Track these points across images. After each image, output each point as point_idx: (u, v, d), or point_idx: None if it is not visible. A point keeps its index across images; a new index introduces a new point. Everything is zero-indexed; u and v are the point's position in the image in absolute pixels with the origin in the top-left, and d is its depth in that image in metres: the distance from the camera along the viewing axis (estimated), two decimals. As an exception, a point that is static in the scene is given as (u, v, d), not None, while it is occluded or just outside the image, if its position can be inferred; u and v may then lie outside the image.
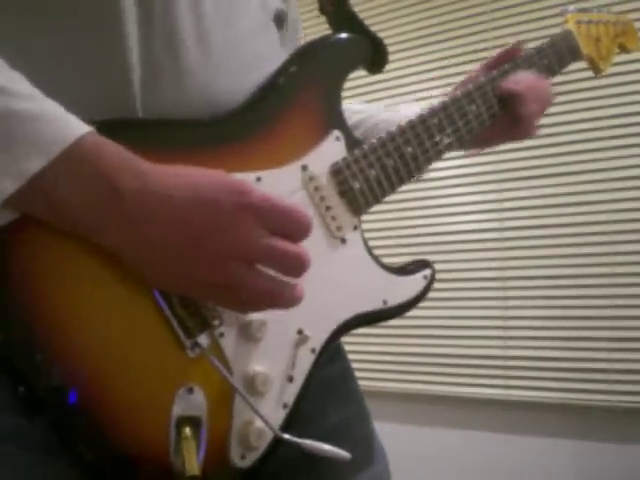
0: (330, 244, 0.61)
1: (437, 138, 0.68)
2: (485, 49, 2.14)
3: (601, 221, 1.95)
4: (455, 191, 2.19)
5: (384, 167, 0.64)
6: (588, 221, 1.97)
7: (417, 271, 0.67)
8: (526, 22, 2.06)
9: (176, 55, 0.54)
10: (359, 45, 0.65)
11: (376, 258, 0.64)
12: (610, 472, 1.88)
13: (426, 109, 0.69)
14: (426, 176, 2.42)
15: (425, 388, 2.20)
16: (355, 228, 0.63)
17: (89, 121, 0.46)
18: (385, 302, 0.63)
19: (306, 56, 0.63)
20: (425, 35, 2.27)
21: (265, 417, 0.52)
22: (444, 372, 2.17)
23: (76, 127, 0.45)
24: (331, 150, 0.62)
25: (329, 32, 0.66)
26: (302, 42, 0.76)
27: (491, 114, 0.74)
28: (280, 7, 0.68)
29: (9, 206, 0.44)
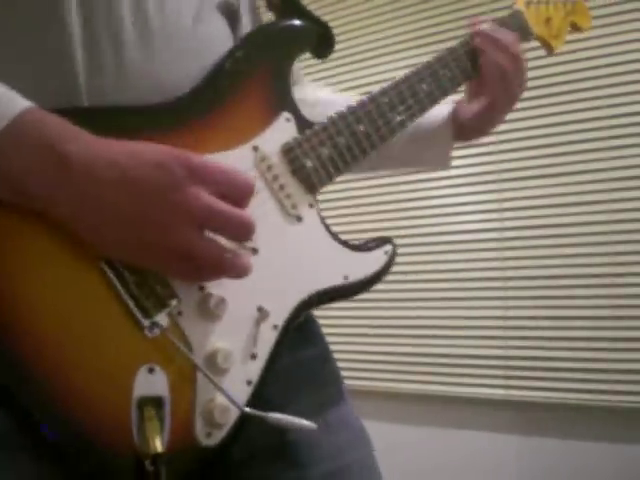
0: (286, 222, 0.61)
1: (389, 116, 0.69)
2: (485, 49, 2.14)
3: (601, 221, 1.95)
4: (455, 191, 2.19)
5: (336, 145, 0.64)
6: (588, 221, 1.97)
7: (378, 247, 0.67)
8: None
9: (117, 48, 0.55)
10: (304, 30, 0.66)
11: (335, 235, 0.65)
12: (610, 472, 1.88)
13: (377, 89, 0.70)
14: (426, 176, 2.40)
15: (425, 388, 2.20)
16: (311, 206, 0.63)
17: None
18: (346, 277, 0.63)
19: (252, 41, 0.64)
20: (425, 35, 2.27)
21: (227, 391, 0.52)
22: (444, 372, 2.16)
23: (18, 102, 0.47)
24: (282, 131, 0.63)
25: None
26: None
27: (445, 90, 0.76)
28: None
29: None
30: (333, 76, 2.41)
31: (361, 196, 2.32)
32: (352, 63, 2.40)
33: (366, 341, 2.30)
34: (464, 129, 0.83)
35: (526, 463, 2.02)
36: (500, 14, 0.86)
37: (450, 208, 2.20)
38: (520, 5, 0.86)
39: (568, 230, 1.99)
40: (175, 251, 0.48)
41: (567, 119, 2.00)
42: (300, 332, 0.66)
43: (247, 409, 0.53)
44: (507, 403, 2.06)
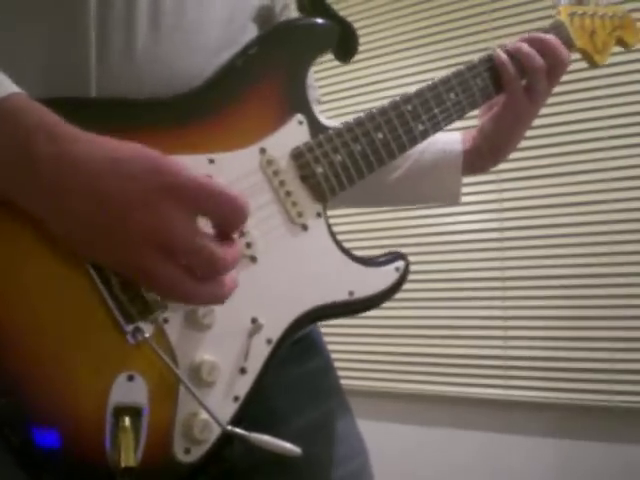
0: (290, 230, 0.58)
1: (411, 124, 0.65)
2: (485, 49, 2.14)
3: (601, 221, 1.95)
4: (455, 191, 2.19)
5: (351, 153, 0.61)
6: (588, 221, 1.97)
7: (389, 263, 0.62)
8: (526, 22, 2.07)
9: (129, 35, 0.53)
10: (326, 29, 0.63)
11: (343, 247, 0.61)
12: (610, 472, 1.88)
13: (400, 96, 0.66)
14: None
15: (425, 388, 2.20)
16: (319, 215, 0.60)
17: (38, 99, 0.45)
18: (351, 293, 0.59)
19: (269, 39, 0.61)
20: (425, 35, 2.26)
21: (210, 408, 0.50)
22: (444, 372, 2.17)
23: (4, 86, 0.44)
24: (293, 134, 0.59)
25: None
26: None
27: (474, 100, 0.72)
28: (264, 3, 0.66)
29: None
30: (334, 76, 2.41)
31: (361, 196, 2.31)
32: (352, 63, 2.39)
33: (366, 341, 2.30)
34: (476, 155, 0.80)
35: (526, 463, 2.02)
36: (500, 14, 0.85)
37: (450, 208, 2.20)
38: (563, 17, 0.81)
39: (568, 230, 2.00)
40: (138, 269, 0.45)
41: (567, 119, 2.00)
42: (305, 343, 0.65)
43: (229, 427, 0.50)
44: (507, 403, 2.06)
